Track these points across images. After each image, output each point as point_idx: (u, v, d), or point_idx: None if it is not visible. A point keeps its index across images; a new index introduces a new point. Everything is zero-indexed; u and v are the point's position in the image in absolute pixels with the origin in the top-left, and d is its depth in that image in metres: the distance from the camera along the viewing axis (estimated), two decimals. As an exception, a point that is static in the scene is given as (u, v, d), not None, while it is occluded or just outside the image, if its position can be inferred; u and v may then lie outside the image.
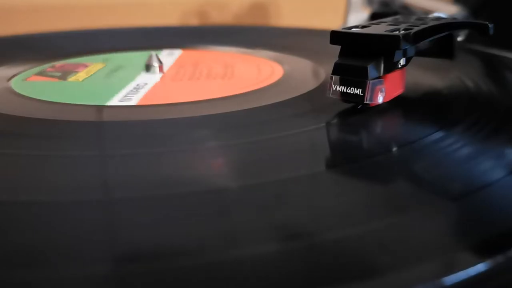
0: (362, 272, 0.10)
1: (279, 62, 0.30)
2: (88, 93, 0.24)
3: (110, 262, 0.11)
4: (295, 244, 0.11)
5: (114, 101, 0.22)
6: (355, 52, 0.19)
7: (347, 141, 0.18)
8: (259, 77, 0.26)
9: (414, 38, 0.19)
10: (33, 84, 0.25)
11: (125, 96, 0.23)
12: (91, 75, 0.27)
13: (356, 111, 0.20)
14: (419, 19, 0.22)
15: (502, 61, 0.30)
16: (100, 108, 0.21)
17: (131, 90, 0.24)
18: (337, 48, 0.20)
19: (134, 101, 0.22)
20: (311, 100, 0.22)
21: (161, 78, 0.26)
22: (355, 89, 0.18)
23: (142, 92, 0.24)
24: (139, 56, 0.32)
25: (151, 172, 0.15)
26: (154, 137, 0.18)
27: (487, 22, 0.21)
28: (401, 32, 0.19)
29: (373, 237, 0.11)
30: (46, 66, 0.29)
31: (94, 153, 0.17)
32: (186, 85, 0.25)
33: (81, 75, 0.27)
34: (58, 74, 0.27)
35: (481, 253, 0.11)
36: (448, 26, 0.21)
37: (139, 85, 0.25)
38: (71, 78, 0.26)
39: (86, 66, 0.29)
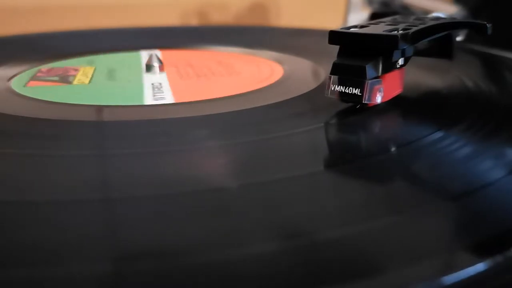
0: (361, 272, 0.10)
1: (279, 62, 0.30)
2: (115, 95, 0.24)
3: (110, 262, 0.11)
4: (294, 243, 0.11)
5: (149, 100, 0.22)
6: (353, 52, 0.19)
7: (346, 141, 0.18)
8: (259, 77, 0.26)
9: (412, 38, 0.19)
10: (39, 89, 0.25)
11: (155, 95, 0.23)
12: (92, 78, 0.27)
13: (355, 111, 0.20)
14: (418, 19, 0.22)
15: (502, 61, 0.30)
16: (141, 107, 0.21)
17: (156, 89, 0.24)
18: (337, 48, 0.20)
19: (168, 99, 0.22)
20: (311, 100, 0.22)
21: (169, 78, 0.26)
22: (354, 89, 0.18)
23: (168, 91, 0.24)
24: (127, 57, 0.32)
25: (150, 172, 0.15)
26: (153, 136, 0.18)
27: (485, 22, 0.21)
28: (399, 32, 0.19)
29: (373, 236, 0.11)
30: (35, 71, 0.29)
31: (106, 153, 0.17)
32: (199, 83, 0.26)
33: (81, 78, 0.27)
34: (56, 78, 0.27)
35: (481, 252, 0.11)
36: (446, 26, 0.21)
37: (154, 84, 0.25)
38: (76, 82, 0.26)
39: (76, 69, 0.29)
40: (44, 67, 0.30)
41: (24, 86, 0.25)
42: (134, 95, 0.23)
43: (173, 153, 0.16)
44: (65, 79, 0.27)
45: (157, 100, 0.22)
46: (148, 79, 0.26)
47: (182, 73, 0.28)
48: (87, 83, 0.26)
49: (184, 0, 0.59)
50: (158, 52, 0.34)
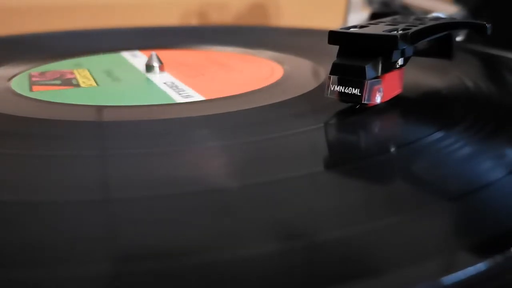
0: (362, 272, 0.10)
1: (279, 62, 0.30)
2: (136, 95, 0.23)
3: (110, 262, 0.11)
4: (294, 244, 0.11)
5: (178, 99, 0.23)
6: (353, 52, 0.19)
7: (346, 141, 0.18)
8: (259, 77, 0.26)
9: (412, 38, 0.19)
10: (48, 93, 0.24)
11: (180, 94, 0.23)
12: (96, 80, 0.26)
13: (354, 111, 0.20)
14: (418, 19, 0.22)
15: (502, 61, 0.30)
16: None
17: (176, 88, 0.24)
18: (337, 48, 0.20)
19: (196, 97, 0.23)
20: (311, 100, 0.22)
21: (177, 77, 0.26)
22: (353, 89, 0.19)
23: (189, 89, 0.24)
24: (110, 59, 0.32)
25: (151, 172, 0.15)
26: (153, 136, 0.18)
27: (485, 22, 0.21)
28: (399, 32, 0.19)
29: (373, 237, 0.12)
30: (26, 76, 0.27)
31: (106, 153, 0.17)
32: (209, 80, 0.26)
33: (85, 81, 0.26)
34: (58, 82, 0.26)
35: (481, 253, 0.11)
36: (446, 26, 0.21)
37: (167, 83, 0.25)
38: (83, 85, 0.25)
39: (71, 72, 0.28)
40: (35, 71, 0.28)
41: (30, 91, 0.24)
42: (159, 95, 0.23)
43: (172, 153, 0.16)
44: (68, 82, 0.26)
45: (185, 98, 0.22)
46: (156, 79, 0.26)
47: (186, 73, 0.28)
48: (96, 85, 0.25)
49: (184, 0, 0.59)
50: (139, 53, 0.34)
